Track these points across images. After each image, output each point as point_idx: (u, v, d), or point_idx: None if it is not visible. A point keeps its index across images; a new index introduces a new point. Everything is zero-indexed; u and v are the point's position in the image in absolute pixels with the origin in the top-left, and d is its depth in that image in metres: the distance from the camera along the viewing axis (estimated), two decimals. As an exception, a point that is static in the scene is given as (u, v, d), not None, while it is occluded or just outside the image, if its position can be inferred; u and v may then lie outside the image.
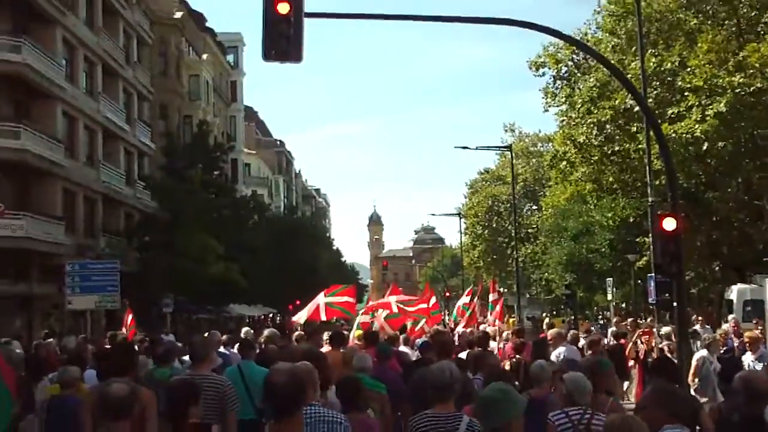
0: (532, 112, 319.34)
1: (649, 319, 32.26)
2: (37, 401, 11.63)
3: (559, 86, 43.79)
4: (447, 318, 49.07)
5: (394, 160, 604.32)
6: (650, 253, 30.38)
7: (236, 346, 16.35)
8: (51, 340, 22.02)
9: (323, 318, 21.54)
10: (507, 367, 14.49)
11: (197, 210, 47.04)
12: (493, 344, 20.03)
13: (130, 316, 22.74)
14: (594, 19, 43.67)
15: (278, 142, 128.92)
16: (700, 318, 28.89)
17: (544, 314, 70.20)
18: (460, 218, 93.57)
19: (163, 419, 7.82)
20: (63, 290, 33.15)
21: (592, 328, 36.19)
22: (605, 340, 23.43)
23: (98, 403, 7.18)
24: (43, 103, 43.06)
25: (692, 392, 15.34)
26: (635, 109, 37.18)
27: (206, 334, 18.24)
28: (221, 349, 17.69)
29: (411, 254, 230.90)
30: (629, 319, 30.96)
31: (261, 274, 57.88)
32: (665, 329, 23.01)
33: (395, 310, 21.94)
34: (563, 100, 43.18)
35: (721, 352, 17.37)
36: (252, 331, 20.61)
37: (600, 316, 73.23)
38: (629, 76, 37.33)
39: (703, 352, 16.55)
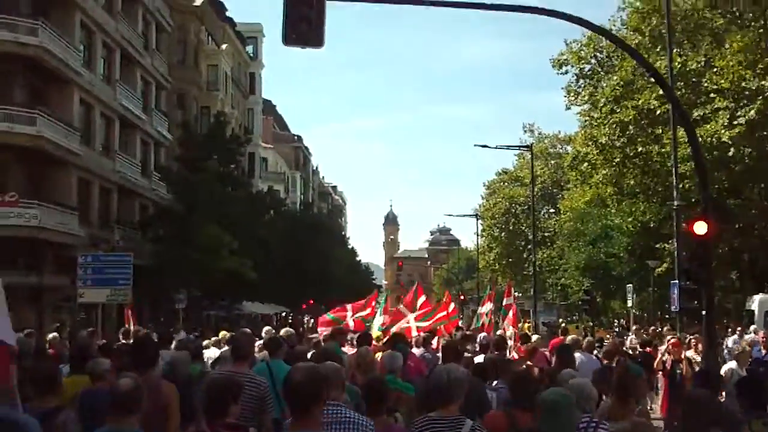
0: (552, 112, 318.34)
1: (666, 328, 31.51)
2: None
3: (582, 85, 43.15)
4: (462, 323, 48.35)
5: (411, 157, 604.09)
6: (675, 259, 29.57)
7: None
8: (55, 334, 21.48)
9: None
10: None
11: (213, 203, 46.42)
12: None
13: (131, 312, 22.10)
14: (618, 17, 42.93)
15: (296, 137, 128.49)
16: (735, 327, 27.81)
17: (560, 320, 69.55)
18: (477, 219, 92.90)
19: (199, 416, 7.64)
20: (75, 282, 32.59)
21: (608, 336, 35.44)
22: (625, 348, 22.67)
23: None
24: (60, 88, 42.49)
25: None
26: (658, 112, 36.62)
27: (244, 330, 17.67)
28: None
29: (426, 255, 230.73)
30: (651, 328, 30.31)
31: (274, 270, 57.34)
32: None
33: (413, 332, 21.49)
34: (586, 98, 42.51)
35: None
36: (291, 330, 20.14)
37: (616, 324, 72.53)
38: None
39: (732, 364, 15.86)
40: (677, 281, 28.47)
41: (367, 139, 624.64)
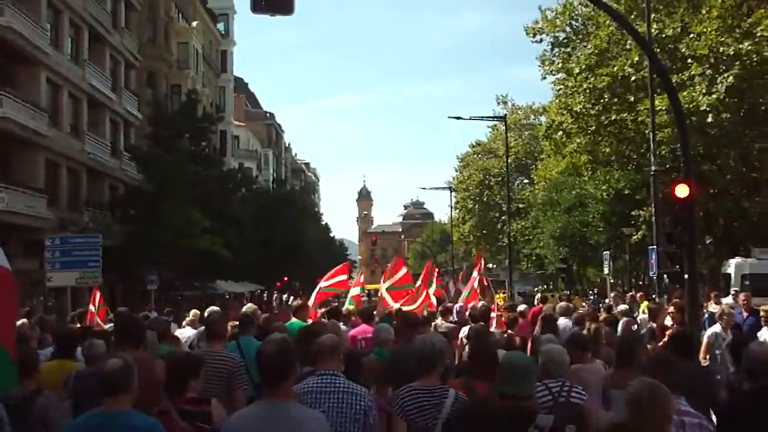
0: (526, 85, 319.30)
1: (639, 294, 31.42)
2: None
3: (557, 53, 42.88)
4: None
5: (385, 134, 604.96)
6: (652, 225, 29.46)
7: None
8: (24, 320, 20.96)
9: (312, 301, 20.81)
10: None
11: (184, 182, 45.93)
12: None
13: (98, 294, 21.51)
14: None
15: (268, 115, 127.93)
16: (714, 293, 27.70)
17: (536, 289, 69.72)
18: (451, 192, 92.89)
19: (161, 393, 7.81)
20: (44, 266, 32.03)
21: (583, 304, 35.43)
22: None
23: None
24: (27, 69, 41.74)
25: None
26: (633, 78, 36.43)
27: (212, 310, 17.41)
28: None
29: (400, 229, 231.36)
30: (629, 294, 30.24)
31: (248, 248, 56.99)
32: (622, 306, 22.26)
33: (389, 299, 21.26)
34: (560, 67, 42.25)
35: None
36: (254, 307, 19.79)
37: (591, 292, 72.82)
38: (628, 43, 36.65)
39: (716, 328, 15.71)
40: (654, 246, 28.49)
41: (340, 117, 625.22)
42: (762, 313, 15.49)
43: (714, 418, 7.56)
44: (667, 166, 33.95)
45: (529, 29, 43.03)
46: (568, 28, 42.69)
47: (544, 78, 44.13)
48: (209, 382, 9.08)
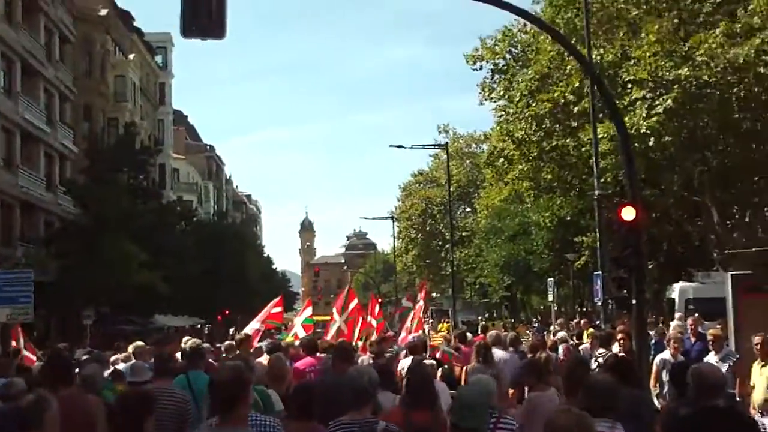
0: (466, 114, 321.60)
1: (583, 321, 31.20)
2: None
3: (497, 80, 42.75)
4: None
5: (326, 165, 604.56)
6: (596, 251, 29.22)
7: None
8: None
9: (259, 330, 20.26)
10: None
11: (121, 216, 45.07)
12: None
13: (20, 330, 20.70)
14: (533, 10, 42.54)
15: (208, 147, 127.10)
16: (657, 318, 27.57)
17: (480, 318, 69.52)
18: (394, 222, 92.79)
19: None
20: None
21: (527, 332, 35.21)
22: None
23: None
24: (-45, 102, 40.85)
25: (654, 399, 14.29)
26: (576, 109, 36.34)
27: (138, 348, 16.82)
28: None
29: (343, 260, 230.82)
30: (574, 321, 30.02)
31: (187, 281, 56.13)
32: (561, 334, 21.93)
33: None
34: (501, 94, 42.11)
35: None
36: (199, 341, 19.18)
37: (535, 320, 72.80)
38: (569, 68, 36.57)
39: (665, 354, 15.40)
40: (599, 272, 28.23)
41: (281, 148, 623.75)
42: (709, 337, 15.19)
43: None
44: (610, 191, 33.83)
45: (469, 57, 42.83)
46: (508, 55, 42.60)
47: (482, 104, 44.05)
48: (159, 421, 8.68)
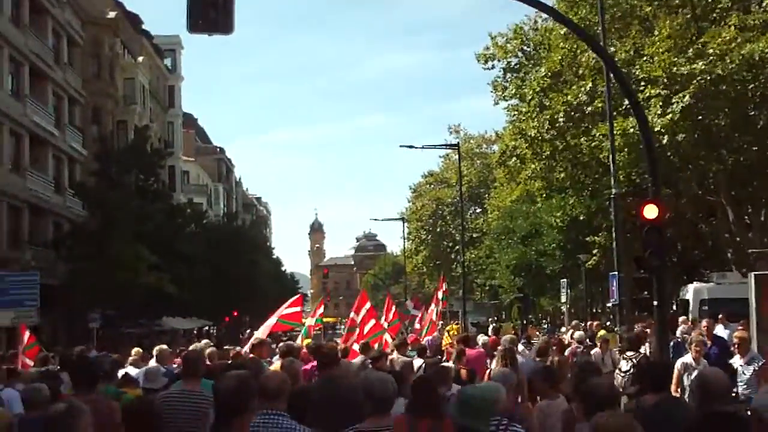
0: (478, 117, 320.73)
1: (595, 324, 30.80)
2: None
3: (509, 79, 42.41)
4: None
5: (336, 167, 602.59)
6: (613, 251, 28.73)
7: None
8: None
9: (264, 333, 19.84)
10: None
11: (130, 218, 44.82)
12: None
13: (27, 333, 20.34)
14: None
15: (218, 149, 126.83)
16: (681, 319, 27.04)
17: (489, 320, 69.13)
18: (404, 223, 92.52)
19: None
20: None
21: (537, 333, 34.74)
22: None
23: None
24: (-38, 105, 40.55)
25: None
26: (587, 109, 35.95)
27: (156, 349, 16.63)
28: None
29: (352, 262, 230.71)
30: (589, 323, 29.61)
31: (197, 283, 55.86)
32: (578, 334, 21.51)
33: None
34: (513, 92, 41.75)
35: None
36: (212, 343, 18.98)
37: (544, 321, 72.52)
38: (581, 69, 36.21)
39: (687, 358, 14.93)
40: (615, 273, 27.78)
41: (291, 150, 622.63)
42: (735, 340, 14.75)
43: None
44: (624, 189, 33.40)
45: (480, 56, 42.55)
46: (519, 54, 42.27)
47: (497, 104, 43.69)
48: (186, 423, 8.76)
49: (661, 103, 31.37)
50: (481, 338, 20.53)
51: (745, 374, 14.27)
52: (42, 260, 44.29)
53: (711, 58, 30.94)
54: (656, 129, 30.75)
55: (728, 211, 37.35)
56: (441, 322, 28.46)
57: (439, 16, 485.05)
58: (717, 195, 38.11)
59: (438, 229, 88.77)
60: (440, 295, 24.55)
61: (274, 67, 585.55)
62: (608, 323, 31.05)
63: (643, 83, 32.65)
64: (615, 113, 30.23)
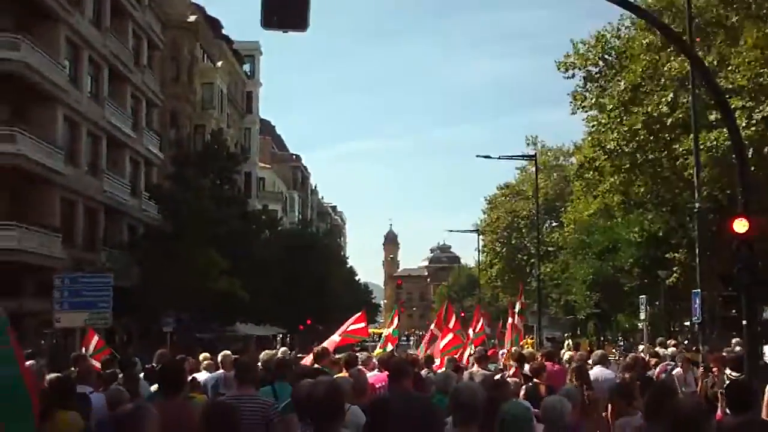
0: (554, 129, 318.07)
1: (672, 342, 29.79)
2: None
3: (589, 89, 41.47)
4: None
5: (412, 178, 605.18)
6: (695, 269, 27.72)
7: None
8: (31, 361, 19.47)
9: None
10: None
11: (204, 222, 44.75)
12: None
13: (96, 337, 20.08)
14: (628, 16, 41.11)
15: (294, 157, 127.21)
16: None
17: (565, 335, 68.07)
18: (479, 235, 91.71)
19: None
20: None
21: (613, 351, 33.83)
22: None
23: None
24: (43, 106, 40.68)
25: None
26: (668, 120, 35.05)
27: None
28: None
29: (426, 273, 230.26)
30: (672, 341, 28.64)
31: (270, 290, 55.73)
32: (671, 349, 20.57)
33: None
34: (593, 102, 40.80)
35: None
36: (289, 351, 18.80)
37: (620, 339, 71.15)
38: (663, 79, 35.27)
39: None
40: (698, 290, 26.86)
41: (367, 160, 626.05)
42: None
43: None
44: (707, 206, 32.40)
45: (561, 64, 41.60)
46: (600, 63, 41.27)
47: (574, 113, 42.69)
48: (249, 428, 8.70)
49: (745, 116, 30.38)
50: (566, 354, 19.93)
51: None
52: (116, 263, 44.35)
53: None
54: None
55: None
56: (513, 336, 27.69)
57: (519, 26, 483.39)
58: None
59: (513, 242, 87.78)
60: (517, 307, 23.91)
61: (351, 77, 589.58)
62: (686, 342, 30.08)
63: (727, 95, 31.66)
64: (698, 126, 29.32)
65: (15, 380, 6.38)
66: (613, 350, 36.02)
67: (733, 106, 30.90)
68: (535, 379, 13.97)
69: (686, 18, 25.88)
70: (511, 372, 16.43)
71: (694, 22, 34.74)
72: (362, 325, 19.90)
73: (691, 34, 26.16)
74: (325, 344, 18.06)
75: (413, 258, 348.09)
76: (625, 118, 37.45)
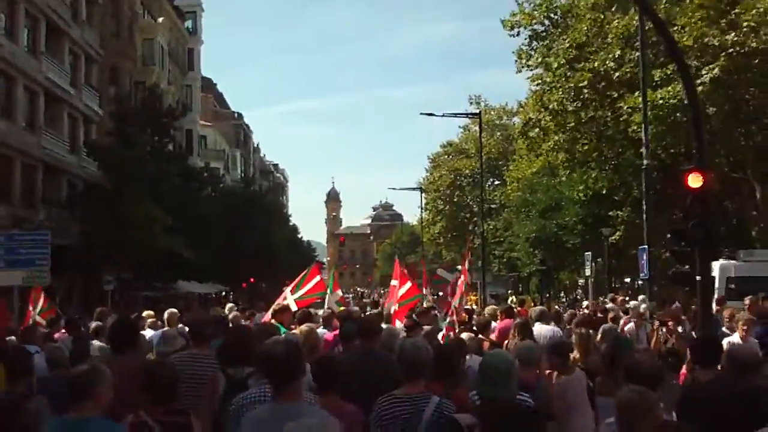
0: (498, 89, 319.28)
1: (620, 298, 29.97)
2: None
3: (535, 47, 41.38)
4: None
5: (355, 136, 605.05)
6: (643, 225, 27.86)
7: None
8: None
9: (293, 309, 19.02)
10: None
11: (144, 178, 44.05)
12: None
13: (43, 296, 19.63)
14: None
15: (236, 115, 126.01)
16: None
17: (509, 292, 68.51)
18: (422, 193, 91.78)
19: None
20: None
21: (557, 308, 33.95)
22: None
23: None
24: (-24, 60, 39.78)
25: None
26: (615, 75, 35.10)
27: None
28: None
29: (369, 231, 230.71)
30: (619, 298, 28.83)
31: (213, 248, 55.23)
32: (643, 306, 20.54)
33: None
34: (538, 61, 40.73)
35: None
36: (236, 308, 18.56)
37: (562, 295, 71.93)
38: (610, 36, 35.25)
39: (734, 337, 13.97)
40: (645, 246, 27.04)
41: (309, 119, 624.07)
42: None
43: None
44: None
45: (506, 22, 41.44)
46: (546, 21, 41.19)
47: (519, 71, 42.63)
48: (195, 387, 8.71)
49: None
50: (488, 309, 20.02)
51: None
52: (55, 220, 43.55)
53: (744, 30, 30.04)
54: (685, 102, 30.01)
55: (756, 188, 36.46)
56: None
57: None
58: (744, 172, 37.22)
59: (455, 200, 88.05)
60: (467, 265, 23.72)
61: (295, 37, 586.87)
62: (626, 298, 30.23)
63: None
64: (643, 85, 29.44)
65: None
66: (556, 307, 36.09)
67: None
68: (480, 335, 14.01)
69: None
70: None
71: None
72: (318, 278, 19.46)
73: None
74: (285, 301, 17.78)
75: (356, 216, 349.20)
76: (570, 76, 37.43)
